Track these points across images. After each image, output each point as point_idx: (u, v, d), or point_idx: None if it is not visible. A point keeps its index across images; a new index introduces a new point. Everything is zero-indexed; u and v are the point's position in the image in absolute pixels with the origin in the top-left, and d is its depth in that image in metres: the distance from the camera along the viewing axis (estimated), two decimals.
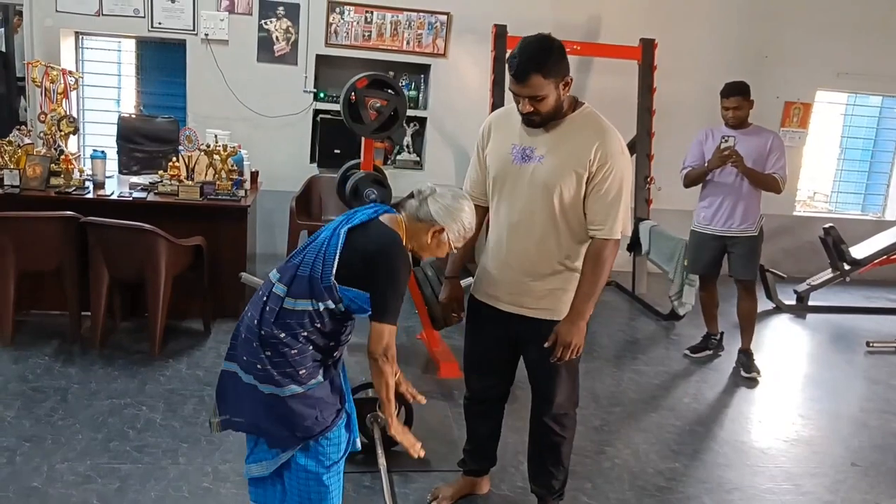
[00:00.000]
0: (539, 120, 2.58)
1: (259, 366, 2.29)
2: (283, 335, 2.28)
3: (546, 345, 2.66)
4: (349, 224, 2.33)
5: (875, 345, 5.66)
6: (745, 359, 4.95)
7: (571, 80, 2.56)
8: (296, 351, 2.30)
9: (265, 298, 2.35)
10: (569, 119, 2.62)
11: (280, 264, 2.42)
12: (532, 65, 2.44)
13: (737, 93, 4.70)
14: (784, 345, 5.85)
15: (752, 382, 4.82)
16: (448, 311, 3.02)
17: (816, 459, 3.84)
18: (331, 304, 2.29)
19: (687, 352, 5.22)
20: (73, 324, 4.50)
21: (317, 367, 2.36)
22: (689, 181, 4.98)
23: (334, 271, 2.26)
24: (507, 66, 2.55)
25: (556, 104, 2.55)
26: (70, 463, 3.22)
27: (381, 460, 3.15)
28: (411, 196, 2.45)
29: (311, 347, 2.32)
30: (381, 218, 2.39)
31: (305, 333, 2.30)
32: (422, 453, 2.53)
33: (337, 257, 2.26)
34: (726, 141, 4.69)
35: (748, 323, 4.99)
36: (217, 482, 3.16)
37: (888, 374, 5.19)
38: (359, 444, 2.65)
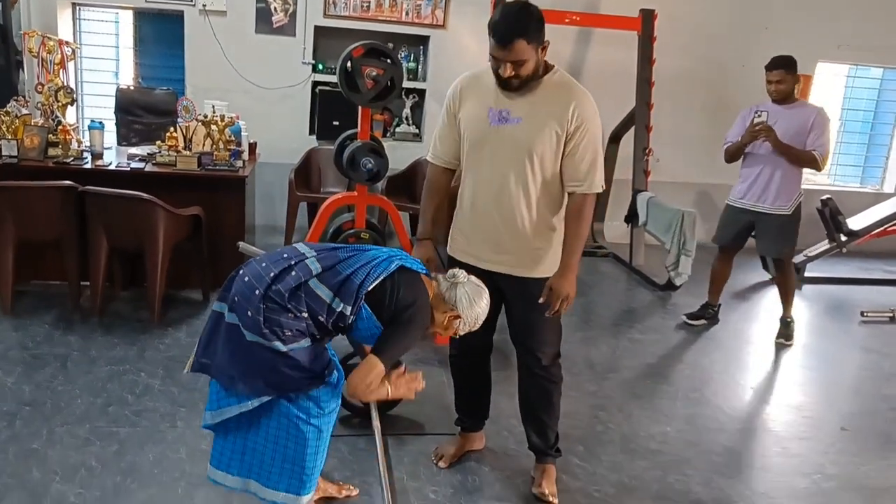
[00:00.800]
0: (518, 83, 2.65)
1: (250, 312, 2.29)
2: (290, 304, 2.31)
3: (541, 300, 2.75)
4: (404, 262, 2.47)
5: (869, 315, 5.70)
6: (783, 327, 5.06)
7: (548, 43, 2.63)
8: (291, 318, 2.33)
9: (293, 263, 2.38)
10: (544, 81, 2.70)
11: (308, 242, 2.47)
12: (516, 30, 2.52)
13: (780, 66, 4.60)
14: (779, 315, 5.87)
15: (784, 348, 4.96)
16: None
17: (807, 424, 3.89)
18: (346, 311, 2.35)
19: (684, 317, 5.28)
20: (73, 293, 4.55)
21: (303, 336, 2.38)
22: (729, 156, 4.93)
23: (371, 288, 2.35)
24: (489, 30, 2.59)
25: (535, 68, 2.63)
26: (69, 426, 3.27)
27: (376, 423, 3.20)
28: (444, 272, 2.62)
29: (304, 325, 2.35)
30: (424, 277, 2.54)
31: (306, 315, 2.34)
32: (421, 385, 2.59)
33: (380, 280, 2.37)
34: (759, 116, 4.62)
35: (783, 294, 5.07)
36: None
37: (881, 343, 5.24)
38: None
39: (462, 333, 2.59)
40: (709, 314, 5.27)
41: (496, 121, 2.71)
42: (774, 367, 4.72)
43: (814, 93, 7.61)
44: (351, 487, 2.95)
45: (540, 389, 3.02)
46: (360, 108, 4.20)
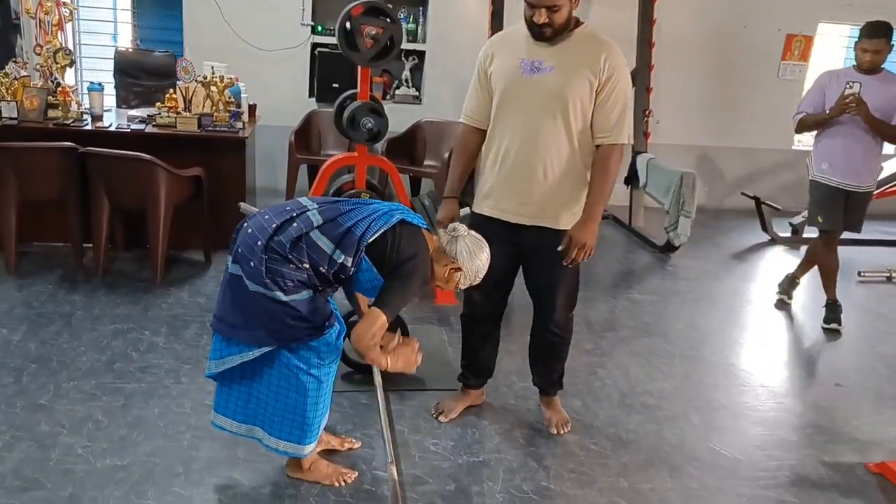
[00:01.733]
0: (551, 32, 2.69)
1: (252, 262, 2.34)
2: (291, 255, 2.35)
3: (560, 248, 2.80)
4: (405, 216, 2.49)
5: (866, 274, 5.74)
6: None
7: None
8: (292, 269, 2.37)
9: (294, 215, 2.42)
10: (575, 34, 2.76)
11: (310, 196, 2.50)
12: None
13: (882, 35, 4.26)
14: (777, 276, 5.89)
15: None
16: (443, 223, 3.03)
17: (802, 380, 3.95)
18: (347, 262, 2.38)
19: (823, 325, 4.70)
20: (76, 253, 4.58)
21: (305, 287, 2.42)
22: (803, 127, 4.67)
23: (372, 240, 2.38)
24: None
25: (568, 17, 2.68)
26: (76, 382, 3.32)
27: (377, 378, 3.25)
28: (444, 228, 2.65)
29: (305, 276, 2.39)
30: (424, 231, 2.56)
31: (308, 266, 2.37)
32: (419, 359, 2.63)
33: (381, 232, 2.40)
34: (850, 87, 4.32)
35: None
36: None
37: (877, 303, 5.29)
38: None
39: (463, 287, 2.62)
40: (839, 311, 4.72)
41: (528, 71, 2.75)
42: (771, 325, 4.76)
43: (814, 54, 7.58)
44: (353, 441, 3.01)
45: (551, 343, 3.16)
46: (359, 68, 4.19)
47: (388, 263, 2.42)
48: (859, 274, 5.76)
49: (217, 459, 2.85)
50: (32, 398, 3.16)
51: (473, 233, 2.61)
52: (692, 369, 3.98)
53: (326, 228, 2.40)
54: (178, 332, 3.87)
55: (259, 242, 2.35)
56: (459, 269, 2.54)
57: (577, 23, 2.78)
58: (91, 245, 4.58)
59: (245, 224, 2.46)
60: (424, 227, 2.58)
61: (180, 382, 3.39)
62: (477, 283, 2.63)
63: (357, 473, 2.79)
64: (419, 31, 6.83)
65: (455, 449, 3.06)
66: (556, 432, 3.21)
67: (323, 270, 2.39)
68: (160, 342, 3.76)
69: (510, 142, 2.84)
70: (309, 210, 2.44)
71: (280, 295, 2.34)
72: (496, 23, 6.11)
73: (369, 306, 2.45)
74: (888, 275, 5.73)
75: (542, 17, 2.63)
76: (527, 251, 2.97)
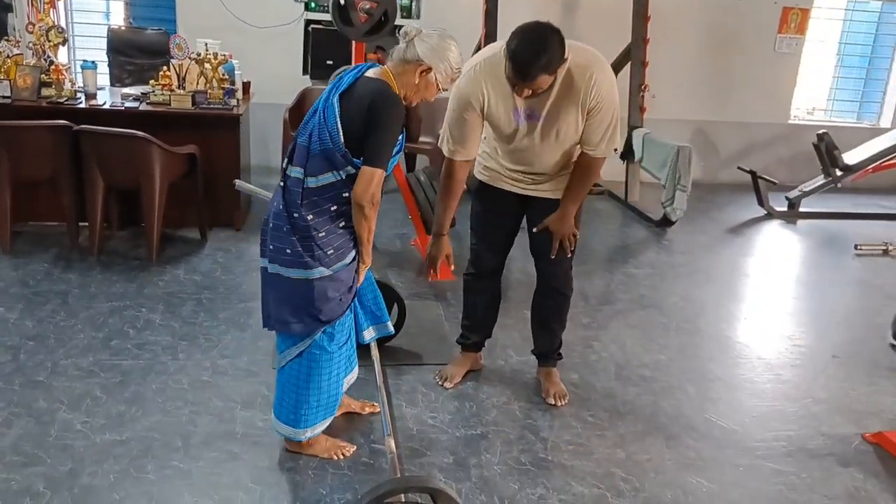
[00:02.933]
0: (535, 95, 2.67)
1: (288, 250, 2.40)
2: (311, 217, 2.38)
3: (535, 230, 3.02)
4: (339, 91, 2.36)
5: (863, 248, 5.75)
6: None
7: (568, 58, 2.63)
8: (323, 234, 2.41)
9: (282, 185, 2.44)
10: (561, 76, 2.69)
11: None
12: (540, 67, 2.51)
13: None
14: (774, 249, 5.94)
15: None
16: (434, 265, 3.08)
17: (798, 352, 3.96)
18: (351, 170, 2.36)
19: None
20: (71, 231, 4.57)
21: (345, 245, 2.47)
22: None
23: (342, 139, 2.32)
24: (507, 55, 2.55)
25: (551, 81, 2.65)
26: (73, 359, 3.32)
27: (375, 353, 3.25)
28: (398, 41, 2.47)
29: (341, 223, 2.43)
30: (366, 74, 2.41)
31: (335, 207, 2.39)
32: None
33: (339, 124, 2.32)
34: None
35: None
36: (216, 375, 3.27)
37: (873, 275, 5.30)
38: (366, 338, 2.91)
39: (445, 87, 2.51)
40: None
41: (523, 118, 2.80)
42: (767, 299, 4.77)
43: (811, 27, 7.54)
44: (374, 405, 3.06)
45: (555, 303, 3.25)
46: (353, 43, 4.17)
47: (358, 123, 2.32)
48: (856, 247, 5.77)
49: (215, 434, 2.85)
50: (30, 375, 3.16)
51: (430, 29, 2.46)
52: (688, 342, 3.99)
53: (311, 169, 2.38)
54: (174, 310, 3.87)
55: (284, 229, 2.42)
56: (429, 69, 2.41)
57: (562, 58, 2.68)
58: (86, 224, 4.57)
59: (266, 224, 2.52)
60: (361, 74, 2.42)
61: (177, 359, 3.39)
62: (458, 74, 2.54)
63: (356, 447, 2.80)
64: (413, 7, 6.77)
65: (452, 422, 3.07)
66: (553, 403, 3.23)
67: (347, 196, 2.39)
68: (157, 319, 3.76)
69: (509, 155, 2.97)
70: (288, 169, 2.46)
71: (321, 270, 2.41)
72: (490, 22, 6.00)
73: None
74: (884, 248, 5.73)
75: (524, 94, 2.63)
76: (533, 213, 3.08)
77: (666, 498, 2.68)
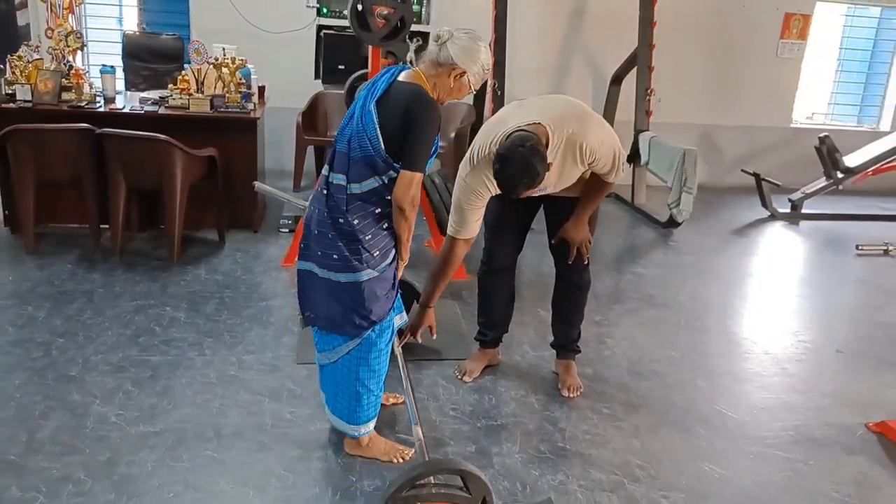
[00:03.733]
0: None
1: (336, 255, 2.48)
2: (356, 222, 2.47)
3: (553, 241, 3.24)
4: (374, 98, 2.45)
5: (864, 248, 5.87)
6: None
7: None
8: (369, 236, 2.50)
9: (325, 192, 2.52)
10: (555, 153, 2.87)
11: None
12: (525, 185, 2.69)
13: None
14: (777, 250, 6.06)
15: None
16: (415, 333, 3.16)
17: (803, 347, 4.07)
18: (393, 174, 2.45)
19: None
20: (94, 233, 4.68)
21: (388, 245, 2.57)
22: None
23: (383, 146, 2.41)
24: (494, 179, 2.75)
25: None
26: (103, 355, 3.43)
27: (398, 349, 3.35)
28: (428, 42, 2.57)
29: (384, 224, 2.52)
30: (399, 78, 2.49)
31: (379, 210, 2.49)
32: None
33: (378, 131, 2.40)
34: None
35: None
36: (242, 370, 3.38)
37: (875, 274, 5.42)
38: (396, 323, 2.95)
39: (477, 87, 2.59)
40: None
41: (532, 193, 2.87)
42: (773, 297, 4.88)
43: (812, 32, 7.66)
44: (397, 395, 3.16)
45: (573, 294, 3.41)
46: (370, 48, 4.28)
47: (397, 128, 2.41)
48: (857, 247, 5.89)
49: (245, 425, 2.96)
50: (62, 370, 3.27)
51: (461, 30, 2.52)
52: (697, 338, 4.11)
53: (354, 176, 2.46)
54: (198, 308, 3.98)
55: (329, 235, 2.49)
56: (464, 72, 2.48)
57: (547, 142, 2.82)
58: (107, 226, 4.67)
59: (309, 227, 2.58)
60: (394, 78, 2.49)
61: (204, 354, 3.50)
62: (489, 74, 2.72)
63: (413, 451, 2.81)
64: (423, 13, 6.90)
65: (473, 414, 3.18)
66: (567, 395, 3.35)
67: (389, 197, 2.48)
68: (182, 317, 3.86)
69: None
70: (329, 178, 2.53)
71: (369, 272, 2.50)
72: (499, 48, 6.11)
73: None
74: (885, 248, 5.85)
75: (524, 195, 2.79)
76: (547, 202, 3.26)
77: (681, 484, 2.79)
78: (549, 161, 2.74)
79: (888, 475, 2.95)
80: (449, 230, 3.05)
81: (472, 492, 2.23)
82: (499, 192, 2.87)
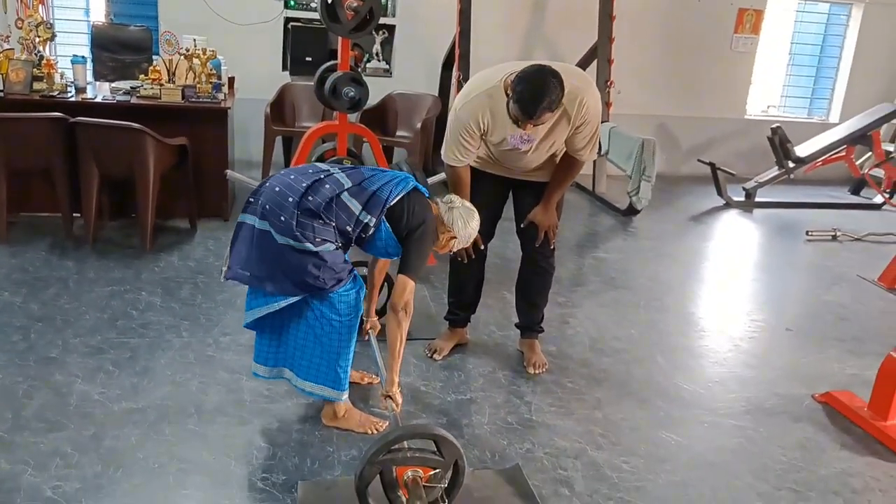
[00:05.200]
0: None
1: (283, 217, 2.57)
2: (322, 212, 2.59)
3: (522, 225, 3.41)
4: (417, 185, 2.79)
5: (814, 234, 6.14)
6: None
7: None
8: (320, 224, 2.60)
9: (322, 176, 2.66)
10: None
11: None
12: (546, 107, 2.82)
13: None
14: (732, 236, 6.31)
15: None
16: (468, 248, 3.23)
17: (755, 326, 4.29)
18: (371, 223, 2.66)
19: None
20: (66, 221, 4.72)
21: (332, 242, 2.66)
22: None
23: (393, 203, 2.67)
24: (514, 97, 2.84)
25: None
26: (82, 338, 3.51)
27: (367, 326, 3.48)
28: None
29: (331, 232, 2.63)
30: (429, 200, 2.85)
31: (334, 224, 2.62)
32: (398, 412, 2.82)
33: (399, 197, 2.69)
34: None
35: None
36: (219, 351, 3.49)
37: (824, 258, 5.69)
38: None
39: (455, 251, 2.96)
40: None
41: (519, 142, 3.09)
42: (728, 280, 5.11)
43: (764, 27, 7.94)
44: (373, 376, 3.28)
45: (538, 277, 3.57)
46: (339, 39, 4.39)
47: (404, 226, 2.71)
48: (807, 233, 6.16)
49: (225, 401, 3.08)
50: (43, 353, 3.35)
51: (465, 203, 2.92)
52: (656, 318, 4.31)
53: (354, 191, 2.66)
54: (172, 293, 4.07)
55: (290, 199, 2.58)
56: (455, 236, 2.86)
57: None
58: (79, 214, 4.73)
59: (269, 184, 2.67)
60: (428, 195, 2.87)
61: (181, 336, 3.60)
62: (468, 245, 2.98)
63: (388, 423, 2.94)
64: (389, 5, 7.01)
65: (444, 388, 3.33)
66: (533, 372, 3.52)
67: (349, 229, 2.64)
68: (157, 301, 3.95)
69: (500, 156, 3.27)
70: (335, 173, 2.70)
71: (310, 246, 2.58)
72: (463, 42, 6.23)
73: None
74: (833, 234, 6.13)
75: (528, 129, 2.96)
76: (519, 192, 3.42)
77: (640, 450, 2.98)
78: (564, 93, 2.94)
79: (831, 440, 3.17)
80: (448, 161, 3.23)
81: (445, 455, 2.38)
82: (492, 128, 3.05)
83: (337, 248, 2.66)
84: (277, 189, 2.62)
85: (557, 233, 3.43)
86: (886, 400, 3.21)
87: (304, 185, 2.61)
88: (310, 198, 2.59)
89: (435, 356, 3.59)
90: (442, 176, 3.47)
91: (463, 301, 3.68)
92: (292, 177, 2.66)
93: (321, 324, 2.75)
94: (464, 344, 3.74)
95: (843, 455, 3.07)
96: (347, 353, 2.82)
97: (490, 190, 3.36)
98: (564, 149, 3.22)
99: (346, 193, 2.65)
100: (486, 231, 3.49)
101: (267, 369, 2.94)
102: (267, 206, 2.61)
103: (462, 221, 2.85)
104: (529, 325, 3.67)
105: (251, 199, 2.70)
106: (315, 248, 2.59)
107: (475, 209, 2.93)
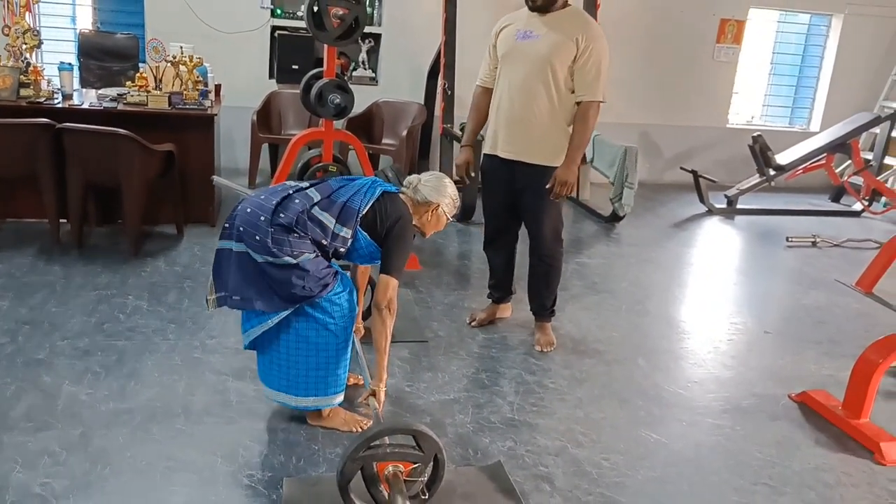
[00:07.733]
0: (541, 3, 3.45)
1: (258, 236, 2.61)
2: (295, 227, 2.63)
3: (547, 186, 3.55)
4: (384, 187, 2.87)
5: (794, 240, 6.24)
6: None
7: None
8: (295, 237, 2.64)
9: (291, 192, 2.71)
10: (564, 11, 3.52)
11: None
12: None
13: None
14: (714, 242, 6.40)
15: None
16: (461, 171, 3.83)
17: (734, 329, 4.37)
18: (346, 234, 2.71)
19: None
20: (53, 227, 4.74)
21: (308, 252, 2.69)
22: None
23: (365, 211, 2.74)
24: None
25: None
26: (70, 341, 3.54)
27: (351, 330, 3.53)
28: (398, 182, 3.11)
29: (308, 244, 2.67)
30: (399, 195, 2.91)
31: (310, 238, 2.67)
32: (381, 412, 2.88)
33: (370, 204, 2.77)
34: None
35: None
36: (206, 353, 3.52)
37: (803, 263, 5.78)
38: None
39: (452, 217, 3.05)
40: None
41: (522, 37, 3.52)
42: (709, 284, 5.20)
43: (746, 38, 8.06)
44: (359, 377, 3.30)
45: (543, 271, 3.85)
46: (325, 47, 4.45)
47: (380, 229, 2.77)
48: (787, 239, 6.26)
49: (212, 402, 3.11)
50: (30, 355, 3.38)
51: (425, 175, 3.00)
52: (637, 321, 4.38)
53: (324, 204, 2.71)
54: (159, 298, 4.10)
55: (262, 218, 2.62)
56: (437, 205, 2.92)
57: (566, 3, 3.52)
58: (66, 220, 4.76)
59: (241, 206, 2.71)
60: (396, 191, 2.93)
61: (168, 339, 3.64)
62: (459, 202, 3.07)
63: (371, 420, 2.97)
64: (375, 15, 7.09)
65: (427, 389, 3.38)
66: (539, 350, 3.83)
67: (325, 243, 2.69)
68: (144, 306, 3.99)
69: (506, 93, 3.60)
70: (304, 189, 2.75)
71: (288, 259, 2.62)
72: (448, 51, 6.31)
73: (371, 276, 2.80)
74: (813, 240, 6.23)
75: (533, 26, 3.31)
76: (519, 190, 3.68)
77: (620, 448, 3.04)
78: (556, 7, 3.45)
79: (805, 437, 3.25)
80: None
81: (425, 450, 2.43)
82: (506, 27, 3.62)
83: (316, 257, 2.70)
84: (249, 210, 2.67)
85: (568, 193, 3.57)
86: (859, 399, 3.29)
87: (274, 202, 2.66)
88: (281, 214, 2.64)
89: (472, 324, 4.05)
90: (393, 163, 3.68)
91: (497, 280, 4.08)
92: (262, 197, 2.71)
93: (317, 330, 2.78)
94: (505, 318, 4.16)
95: (818, 451, 3.14)
96: (345, 354, 2.88)
97: (496, 177, 3.76)
98: (571, 108, 3.50)
99: (316, 208, 2.70)
100: (506, 220, 3.88)
101: (267, 390, 2.96)
102: (241, 228, 2.66)
103: (432, 190, 2.92)
104: (538, 310, 3.95)
105: (227, 225, 2.74)
106: (294, 261, 2.63)
107: (440, 173, 3.02)
